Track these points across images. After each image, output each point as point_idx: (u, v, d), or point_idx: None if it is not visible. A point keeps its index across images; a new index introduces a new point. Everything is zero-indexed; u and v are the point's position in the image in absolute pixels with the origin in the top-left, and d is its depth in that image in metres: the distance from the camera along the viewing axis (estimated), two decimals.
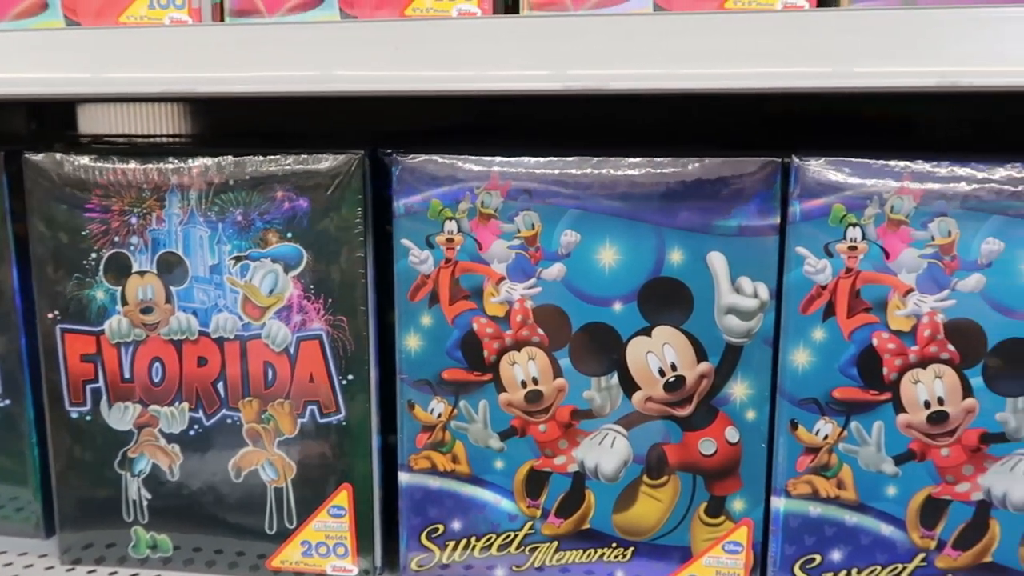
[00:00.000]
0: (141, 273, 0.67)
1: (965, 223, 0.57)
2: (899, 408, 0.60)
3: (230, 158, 0.65)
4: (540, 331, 0.63)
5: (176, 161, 0.66)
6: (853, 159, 0.58)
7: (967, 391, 0.59)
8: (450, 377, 0.65)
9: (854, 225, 0.58)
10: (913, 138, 0.89)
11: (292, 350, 0.67)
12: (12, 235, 0.71)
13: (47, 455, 0.73)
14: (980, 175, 0.57)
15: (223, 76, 0.59)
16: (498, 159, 0.62)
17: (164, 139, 1.05)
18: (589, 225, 0.62)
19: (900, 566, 0.62)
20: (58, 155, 0.67)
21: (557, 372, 0.64)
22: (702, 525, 0.65)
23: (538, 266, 0.63)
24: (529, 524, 0.67)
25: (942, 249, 0.58)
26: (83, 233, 0.67)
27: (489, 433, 0.66)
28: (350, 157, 0.64)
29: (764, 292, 0.61)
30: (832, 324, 0.60)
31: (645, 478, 0.64)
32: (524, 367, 0.64)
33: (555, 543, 0.66)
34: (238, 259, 0.66)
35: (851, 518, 0.62)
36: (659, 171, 0.61)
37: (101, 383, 0.70)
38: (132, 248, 0.67)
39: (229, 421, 0.69)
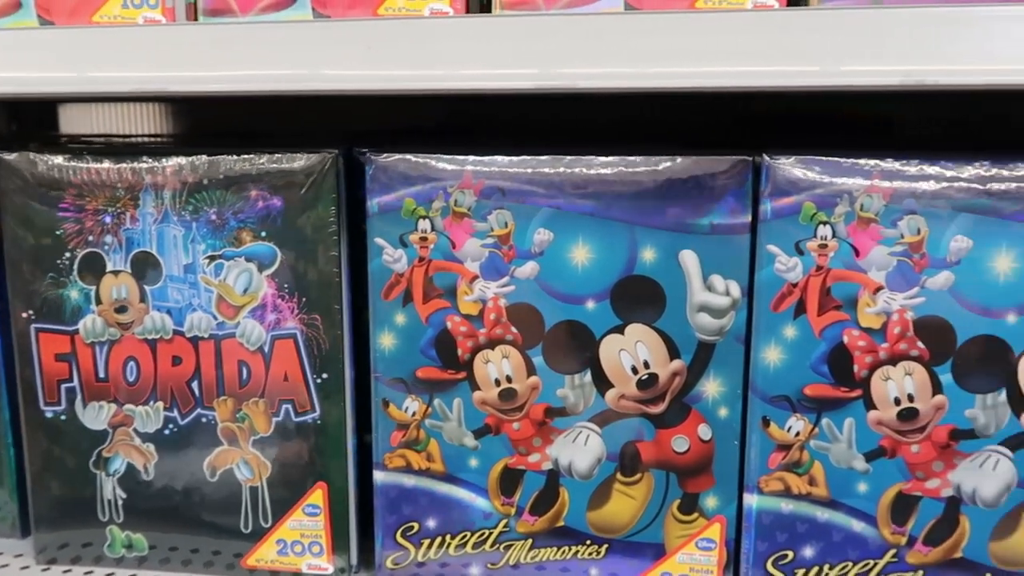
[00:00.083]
0: (115, 272, 0.67)
1: (934, 221, 0.58)
2: (870, 405, 0.60)
3: (204, 157, 0.65)
4: (514, 329, 0.64)
5: (150, 160, 0.66)
6: (823, 158, 0.59)
7: (937, 388, 0.59)
8: (424, 376, 0.65)
9: (824, 223, 0.59)
10: (888, 137, 0.89)
11: (267, 349, 0.67)
12: None
13: (22, 455, 0.73)
14: (949, 173, 0.57)
15: (196, 75, 0.59)
16: (471, 158, 0.62)
17: (145, 139, 1.04)
18: (562, 224, 0.62)
19: (871, 562, 0.62)
20: (32, 155, 0.67)
21: (531, 370, 0.64)
22: (675, 522, 0.65)
23: (511, 264, 0.63)
24: (504, 522, 0.67)
25: (911, 247, 0.58)
26: (57, 233, 0.67)
27: (463, 431, 0.66)
28: (324, 156, 0.64)
29: (736, 290, 0.61)
30: (803, 322, 0.60)
31: (619, 475, 0.65)
32: (498, 365, 0.64)
33: (530, 541, 0.67)
34: (212, 258, 0.66)
35: (823, 514, 0.62)
36: (631, 170, 0.61)
37: (76, 382, 0.69)
38: (106, 247, 0.67)
39: (204, 420, 0.69)
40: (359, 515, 0.70)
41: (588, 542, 0.66)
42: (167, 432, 0.69)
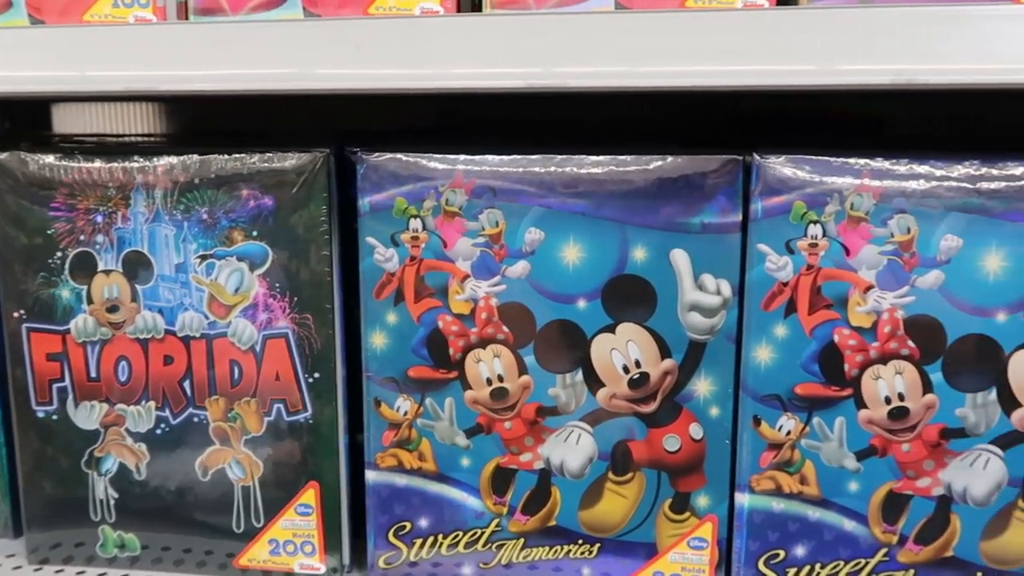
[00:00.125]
0: (107, 272, 0.67)
1: (924, 220, 0.58)
2: (860, 404, 0.60)
3: (195, 157, 0.65)
4: (505, 328, 0.64)
5: (141, 160, 0.66)
6: (813, 157, 0.59)
7: (927, 387, 0.59)
8: (416, 375, 0.65)
9: (815, 222, 0.59)
10: (879, 136, 0.89)
11: (258, 348, 0.67)
12: None
13: (14, 455, 0.73)
14: (939, 172, 0.57)
15: (187, 75, 0.59)
16: (462, 157, 0.62)
17: (138, 138, 1.04)
18: (553, 223, 0.62)
19: (863, 561, 0.62)
20: (23, 154, 0.67)
21: (522, 369, 0.64)
22: (667, 521, 0.65)
23: (503, 264, 0.63)
24: (496, 521, 0.67)
25: (901, 246, 0.58)
26: (48, 232, 0.67)
27: (455, 431, 0.66)
28: (315, 155, 0.64)
29: (727, 289, 0.61)
30: (794, 321, 0.60)
31: (610, 475, 0.65)
32: (489, 364, 0.64)
33: (522, 540, 0.67)
34: (204, 257, 0.66)
35: (814, 513, 0.62)
36: (622, 169, 0.61)
37: (67, 382, 0.69)
38: (98, 247, 0.67)
39: (196, 420, 0.69)
40: (351, 515, 0.70)
41: (580, 541, 0.66)
42: (159, 432, 0.69)
